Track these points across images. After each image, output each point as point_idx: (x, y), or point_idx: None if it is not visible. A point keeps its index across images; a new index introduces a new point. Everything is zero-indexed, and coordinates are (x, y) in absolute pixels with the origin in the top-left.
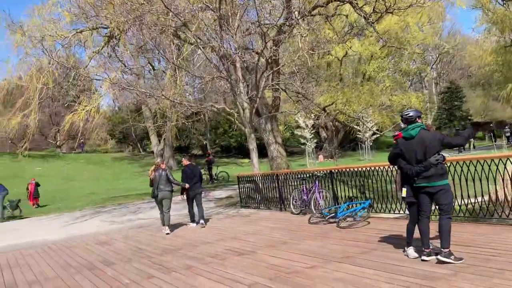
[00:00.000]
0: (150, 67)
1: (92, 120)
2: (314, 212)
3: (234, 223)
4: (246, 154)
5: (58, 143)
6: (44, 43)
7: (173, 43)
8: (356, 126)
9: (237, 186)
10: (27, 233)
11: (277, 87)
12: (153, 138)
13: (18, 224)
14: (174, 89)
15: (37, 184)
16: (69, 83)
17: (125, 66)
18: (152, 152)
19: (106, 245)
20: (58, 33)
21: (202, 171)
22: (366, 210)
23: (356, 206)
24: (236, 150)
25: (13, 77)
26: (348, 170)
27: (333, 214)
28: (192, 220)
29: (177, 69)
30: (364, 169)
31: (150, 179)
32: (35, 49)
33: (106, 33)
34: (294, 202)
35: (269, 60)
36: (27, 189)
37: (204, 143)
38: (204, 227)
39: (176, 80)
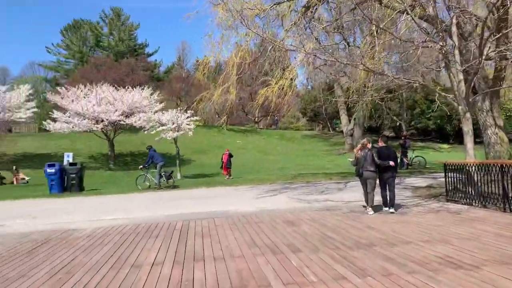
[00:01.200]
0: (345, 43)
1: (284, 95)
2: None
3: (440, 220)
4: (445, 138)
5: (256, 119)
6: (244, 17)
7: (375, 9)
8: None
9: (435, 174)
10: (220, 201)
11: (506, 53)
12: (343, 117)
13: (210, 192)
14: (372, 59)
15: (230, 155)
16: (265, 57)
17: (320, 43)
18: (342, 131)
19: (292, 225)
20: (257, 6)
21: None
22: None
23: None
24: (435, 133)
25: (215, 52)
26: None
27: None
28: (384, 205)
29: (376, 37)
30: None
31: (356, 157)
32: (235, 22)
33: (303, 5)
34: None
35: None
36: (222, 159)
37: (398, 124)
38: (394, 212)
39: (374, 48)
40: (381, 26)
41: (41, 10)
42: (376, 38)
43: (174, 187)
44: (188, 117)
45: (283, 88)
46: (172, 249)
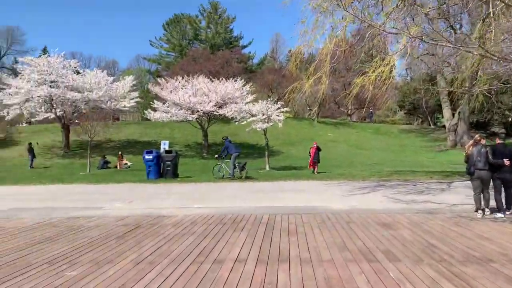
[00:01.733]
0: (451, 30)
1: (382, 85)
2: None
3: None
4: None
5: (349, 112)
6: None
7: None
8: None
9: None
10: (308, 196)
11: None
12: (446, 111)
13: (298, 185)
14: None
15: (318, 149)
16: (362, 44)
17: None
18: (443, 126)
19: (389, 228)
20: None
21: None
22: None
23: None
24: None
25: (307, 40)
26: None
27: None
28: (499, 210)
29: (493, 18)
30: None
31: (466, 154)
32: (330, 6)
33: None
34: None
35: None
36: (309, 153)
37: (511, 119)
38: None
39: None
40: (506, 1)
41: (147, 4)
42: (493, 19)
43: (247, 177)
44: (278, 108)
45: (381, 77)
46: (256, 245)
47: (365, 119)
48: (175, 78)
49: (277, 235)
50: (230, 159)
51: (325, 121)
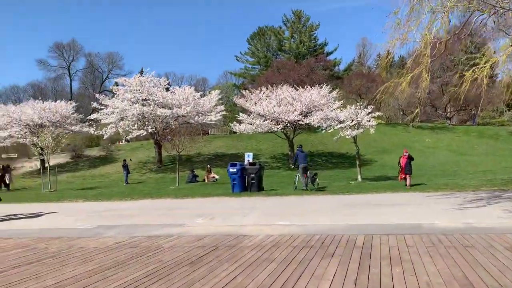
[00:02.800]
0: None
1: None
2: None
3: None
4: None
5: (448, 115)
6: None
7: None
8: None
9: None
10: (409, 211)
11: None
12: None
13: (394, 198)
14: None
15: (410, 158)
16: (468, 32)
17: None
18: None
19: None
20: None
21: None
22: None
23: None
24: None
25: (400, 33)
26: None
27: None
28: None
29: None
30: None
31: None
32: None
33: None
34: None
35: None
36: (399, 162)
37: None
38: None
39: None
40: None
41: (233, 22)
42: None
43: (318, 189)
44: (369, 113)
45: (492, 71)
46: (350, 280)
47: (465, 122)
48: (259, 89)
49: (376, 264)
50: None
51: (421, 125)
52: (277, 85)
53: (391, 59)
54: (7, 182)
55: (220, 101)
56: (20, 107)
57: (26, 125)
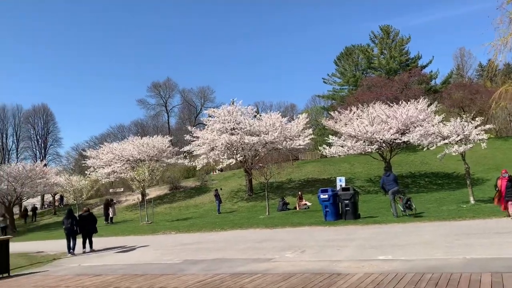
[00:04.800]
0: None
1: None
2: None
3: None
4: None
5: None
6: None
7: None
8: None
9: None
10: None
11: None
12: None
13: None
14: None
15: (511, 180)
16: None
17: None
18: None
19: None
20: None
21: None
22: None
23: None
24: None
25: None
26: None
27: None
28: None
29: None
30: None
31: None
32: None
33: None
34: None
35: None
36: (495, 185)
37: None
38: None
39: None
40: None
41: (319, 44)
42: None
43: (416, 216)
44: (478, 125)
45: None
46: None
47: None
48: (348, 109)
49: None
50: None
51: None
52: (368, 103)
53: (496, 67)
54: (111, 215)
55: (308, 125)
56: (121, 144)
57: (127, 160)
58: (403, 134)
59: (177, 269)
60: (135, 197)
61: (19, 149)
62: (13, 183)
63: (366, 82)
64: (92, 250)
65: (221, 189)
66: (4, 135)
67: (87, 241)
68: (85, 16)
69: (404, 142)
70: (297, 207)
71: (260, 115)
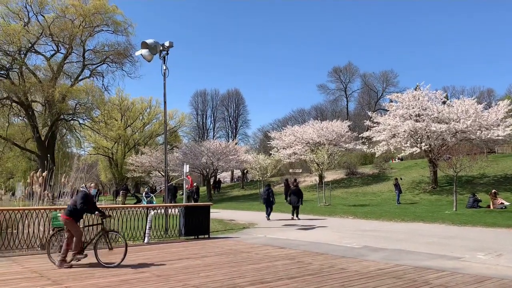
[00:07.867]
0: None
1: None
2: None
3: None
4: None
5: None
6: None
7: None
8: None
9: None
10: None
11: None
12: None
13: None
14: None
15: None
16: None
17: None
18: None
19: None
20: None
21: None
22: None
23: None
24: None
25: None
26: None
27: None
28: None
29: None
30: None
31: None
32: None
33: None
34: None
35: None
36: None
37: None
38: None
39: None
40: None
41: None
42: None
43: None
44: None
45: None
46: None
47: None
48: None
49: None
50: None
51: None
52: None
53: None
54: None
55: (511, 113)
56: (302, 127)
57: (307, 143)
58: None
59: (356, 253)
60: (313, 179)
61: (215, 129)
62: (211, 158)
63: None
64: (297, 219)
65: (401, 178)
66: (204, 116)
67: (295, 211)
68: (270, 13)
69: None
70: (491, 206)
71: (450, 101)
